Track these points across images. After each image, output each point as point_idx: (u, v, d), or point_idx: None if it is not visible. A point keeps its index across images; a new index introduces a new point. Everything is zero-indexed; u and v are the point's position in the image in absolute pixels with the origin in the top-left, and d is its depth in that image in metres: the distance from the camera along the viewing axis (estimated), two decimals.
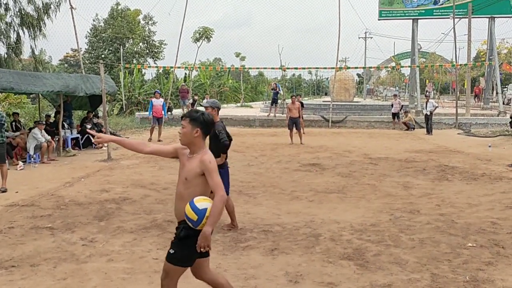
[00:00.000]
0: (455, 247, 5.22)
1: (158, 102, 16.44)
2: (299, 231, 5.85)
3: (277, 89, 24.00)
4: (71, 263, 4.77)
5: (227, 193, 5.59)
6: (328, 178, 9.42)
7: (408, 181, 9.12)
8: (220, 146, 5.71)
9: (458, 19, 26.10)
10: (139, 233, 5.78)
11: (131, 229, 5.94)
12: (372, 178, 9.39)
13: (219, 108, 6.09)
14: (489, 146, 14.15)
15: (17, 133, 12.34)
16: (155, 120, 16.32)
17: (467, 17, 24.73)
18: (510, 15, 28.66)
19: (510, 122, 17.13)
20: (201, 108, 5.50)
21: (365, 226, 6.04)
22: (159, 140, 16.01)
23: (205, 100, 21.93)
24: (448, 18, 26.47)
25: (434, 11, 29.40)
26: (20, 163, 10.90)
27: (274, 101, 23.59)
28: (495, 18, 28.58)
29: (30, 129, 12.35)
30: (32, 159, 11.35)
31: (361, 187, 8.56)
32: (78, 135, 14.39)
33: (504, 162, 11.33)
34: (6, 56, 21.17)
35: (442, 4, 29.05)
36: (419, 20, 30.13)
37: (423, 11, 29.57)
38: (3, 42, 20.89)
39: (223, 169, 5.66)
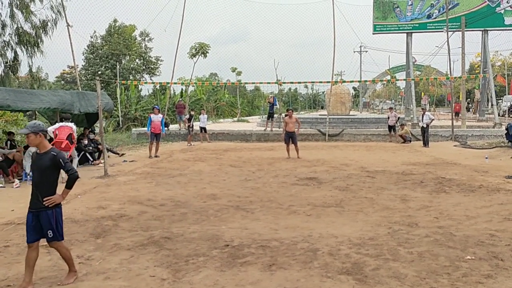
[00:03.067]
0: (454, 260, 5.19)
1: (156, 117, 16.27)
2: (297, 246, 5.81)
3: (273, 102, 24.07)
4: None
5: (62, 238, 4.83)
6: (325, 192, 9.40)
7: (405, 194, 9.11)
8: (69, 178, 4.73)
9: (452, 32, 26.40)
10: (136, 250, 5.73)
11: (128, 246, 5.89)
12: (370, 191, 9.38)
13: (45, 132, 4.76)
14: (486, 158, 14.18)
15: (14, 150, 12.29)
16: (153, 136, 16.11)
17: (460, 31, 25.01)
18: (503, 28, 29.01)
19: (506, 134, 17.23)
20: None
21: (364, 240, 6.01)
22: (156, 156, 15.90)
23: (201, 115, 22.02)
24: (442, 31, 26.78)
25: (427, 25, 29.76)
26: (16, 180, 10.84)
27: (270, 115, 23.66)
28: (488, 31, 28.92)
29: (26, 147, 12.30)
30: (28, 176, 11.28)
31: (358, 201, 8.54)
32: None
33: (501, 173, 11.35)
34: (3, 74, 21.22)
35: (435, 18, 29.41)
36: (413, 34, 30.47)
37: (417, 25, 29.92)
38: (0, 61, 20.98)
39: (60, 208, 4.86)
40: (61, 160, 4.62)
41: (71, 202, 8.69)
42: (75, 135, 11.88)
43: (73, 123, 11.94)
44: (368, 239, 6.04)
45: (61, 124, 11.61)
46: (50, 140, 12.57)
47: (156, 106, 17.67)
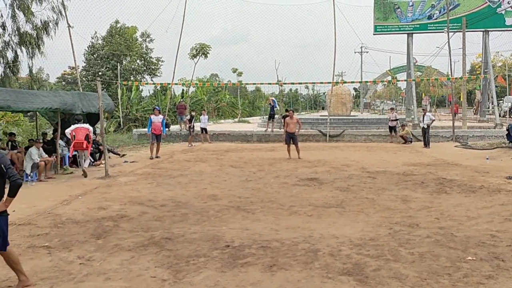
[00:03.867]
0: (455, 260, 5.19)
1: (157, 118, 16.22)
2: (298, 246, 5.81)
3: (273, 104, 24.11)
4: (68, 283, 4.72)
5: (5, 248, 4.54)
6: (326, 193, 9.39)
7: (406, 194, 9.11)
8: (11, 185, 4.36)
9: (453, 33, 26.36)
10: (136, 250, 5.73)
11: (128, 247, 5.89)
12: (371, 192, 9.37)
13: None
14: (487, 159, 14.16)
15: (14, 151, 12.30)
16: (154, 137, 16.07)
17: (461, 31, 24.98)
18: (504, 29, 28.98)
19: (507, 135, 17.21)
20: None
21: (364, 241, 6.00)
22: (156, 157, 15.85)
23: (202, 116, 22.05)
24: (443, 32, 26.75)
25: (428, 25, 29.71)
26: None
27: (271, 116, 23.67)
28: (489, 32, 28.89)
29: (26, 148, 12.32)
30: (29, 177, 11.30)
31: (359, 201, 8.53)
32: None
33: (502, 174, 11.34)
34: (3, 74, 21.21)
35: (436, 18, 29.37)
36: (414, 35, 30.43)
37: (418, 26, 29.88)
38: (0, 61, 20.97)
39: (4, 216, 4.50)
40: (2, 165, 4.29)
41: (72, 203, 8.70)
42: (92, 136, 12.76)
43: (88, 124, 12.84)
44: (369, 240, 6.04)
45: (77, 125, 12.26)
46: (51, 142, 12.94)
47: (156, 107, 17.57)
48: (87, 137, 12.04)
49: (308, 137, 22.05)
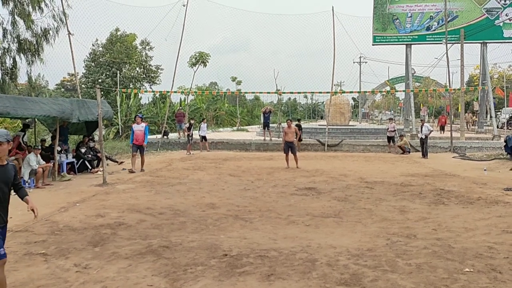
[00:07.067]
0: (452, 272, 5.19)
1: (139, 127, 14.71)
2: (296, 256, 5.80)
3: (269, 112, 24.13)
4: None
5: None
6: (324, 202, 9.40)
7: (404, 205, 9.11)
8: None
9: (451, 44, 26.55)
10: (134, 259, 5.71)
11: (126, 254, 5.87)
12: (369, 202, 9.38)
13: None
14: (485, 170, 14.19)
15: (12, 157, 12.28)
16: (135, 148, 14.62)
17: (459, 43, 25.17)
18: (501, 41, 29.20)
19: (504, 146, 17.26)
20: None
21: (362, 251, 6.00)
22: (142, 170, 14.52)
23: (202, 124, 22.05)
24: (441, 43, 26.95)
25: (427, 36, 29.94)
26: None
27: (266, 125, 23.69)
28: (487, 44, 29.11)
29: None
30: (26, 184, 11.28)
31: (357, 211, 8.54)
32: (74, 160, 14.35)
33: (499, 185, 11.35)
34: (1, 81, 21.22)
35: (434, 30, 29.60)
36: (412, 46, 30.65)
37: (416, 37, 30.10)
38: None
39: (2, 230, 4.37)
40: (15, 174, 4.26)
41: (69, 210, 8.68)
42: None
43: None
44: (367, 250, 6.03)
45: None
46: None
47: (139, 115, 15.98)
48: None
49: (306, 146, 22.09)
